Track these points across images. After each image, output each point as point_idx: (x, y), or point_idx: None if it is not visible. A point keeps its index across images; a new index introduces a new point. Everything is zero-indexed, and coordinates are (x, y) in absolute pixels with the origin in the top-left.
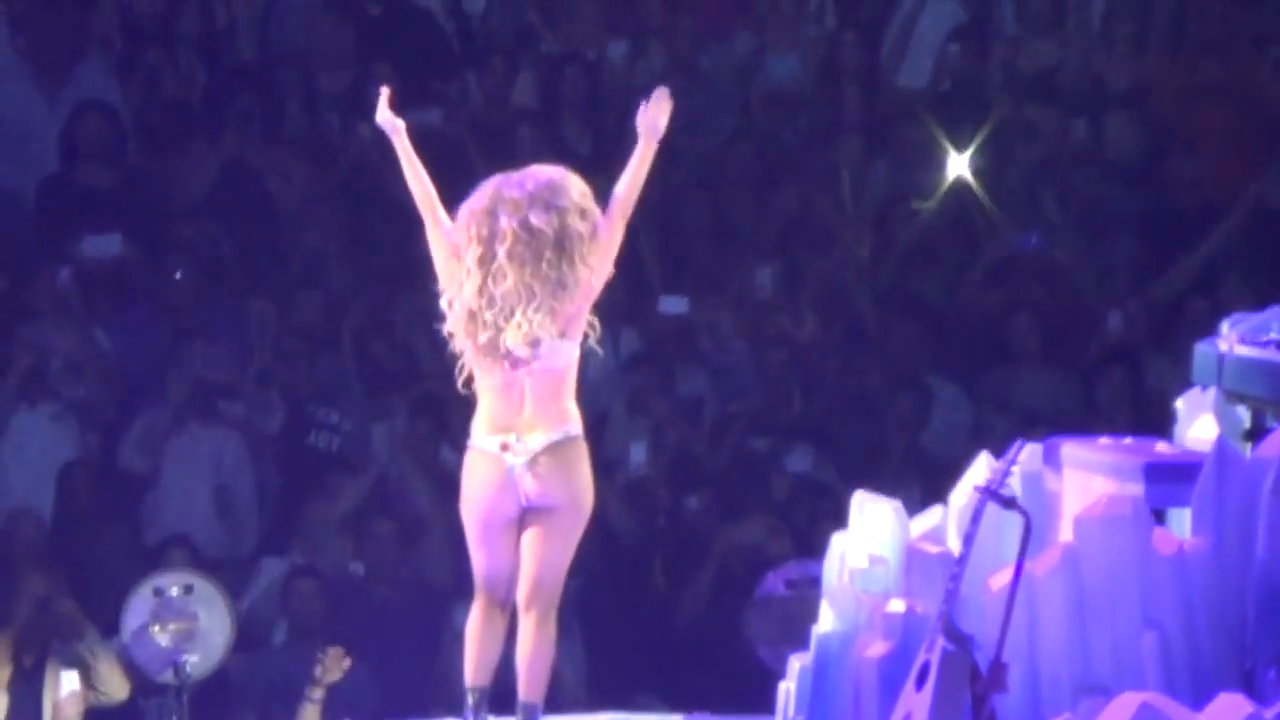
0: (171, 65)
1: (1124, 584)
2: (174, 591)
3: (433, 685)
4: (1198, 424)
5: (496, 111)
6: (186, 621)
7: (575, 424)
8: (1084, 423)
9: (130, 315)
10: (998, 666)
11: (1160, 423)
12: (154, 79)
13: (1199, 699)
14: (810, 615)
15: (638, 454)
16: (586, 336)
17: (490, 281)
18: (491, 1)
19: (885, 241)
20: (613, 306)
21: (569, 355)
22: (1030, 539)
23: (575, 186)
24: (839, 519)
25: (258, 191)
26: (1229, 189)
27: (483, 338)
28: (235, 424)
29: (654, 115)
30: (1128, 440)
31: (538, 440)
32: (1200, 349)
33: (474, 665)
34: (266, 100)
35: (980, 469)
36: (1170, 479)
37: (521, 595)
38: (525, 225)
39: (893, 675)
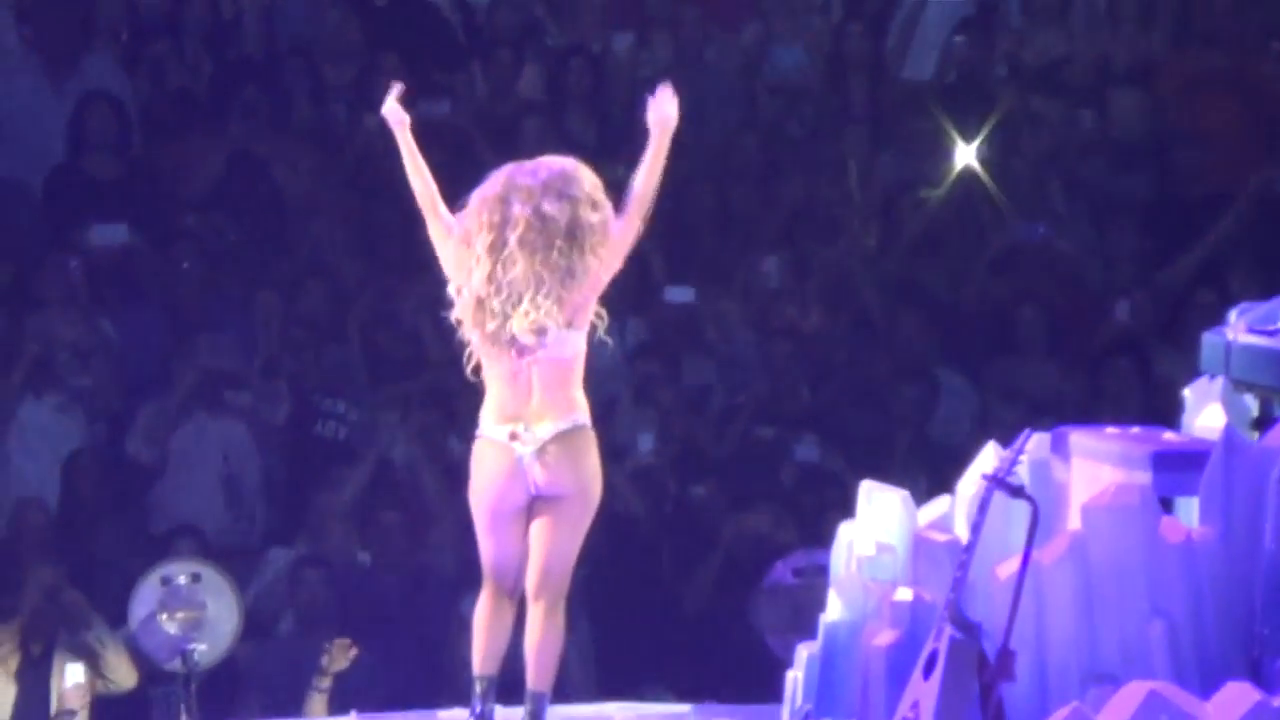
0: (178, 56)
1: (1131, 573)
2: (181, 580)
3: (440, 674)
4: (1205, 413)
5: (502, 103)
6: (194, 610)
7: (583, 413)
8: (1091, 412)
9: (137, 305)
10: (1005, 655)
11: (1168, 412)
12: (160, 70)
13: (1207, 688)
14: (818, 604)
15: (645, 443)
16: (594, 328)
17: (500, 268)
18: None
19: (891, 232)
20: (619, 296)
21: (575, 345)
22: (1038, 528)
23: (587, 178)
24: (846, 508)
25: (264, 182)
26: (1236, 179)
27: (490, 325)
28: (242, 414)
29: (661, 108)
30: (1135, 429)
31: (546, 430)
32: (1208, 338)
33: (481, 654)
34: (273, 91)
35: (988, 458)
36: (1178, 468)
37: (530, 584)
38: (538, 212)
39: (900, 664)
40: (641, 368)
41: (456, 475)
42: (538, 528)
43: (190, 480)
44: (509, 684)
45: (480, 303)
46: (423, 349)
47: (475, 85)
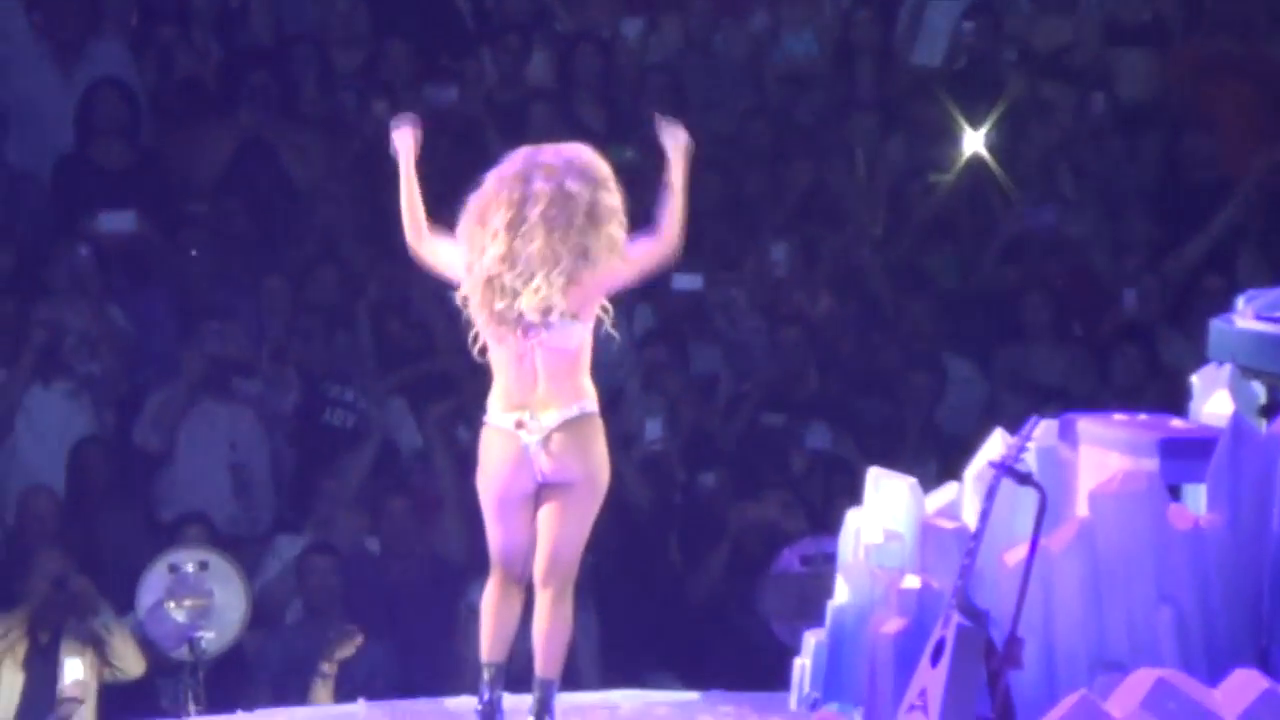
0: (186, 43)
1: (1139, 560)
2: (189, 568)
3: (448, 662)
4: (1213, 400)
5: (511, 89)
6: (202, 598)
7: (590, 401)
8: (1099, 399)
9: (145, 292)
10: (1013, 642)
11: (1175, 398)
12: (169, 57)
13: (1214, 675)
14: (825, 592)
15: (653, 431)
16: (600, 322)
17: (517, 243)
18: None
19: (900, 219)
20: None
21: (580, 336)
22: (1045, 515)
23: (605, 166)
24: (854, 495)
25: (273, 169)
26: (1245, 165)
27: (499, 304)
28: (250, 401)
29: (672, 133)
30: (1143, 416)
31: (552, 418)
32: (1215, 325)
33: (489, 641)
34: (281, 78)
35: (995, 445)
36: (1185, 455)
37: (538, 571)
38: (562, 188)
39: (908, 651)
40: (649, 355)
41: (465, 463)
42: (545, 515)
43: (198, 468)
44: (518, 672)
45: (490, 281)
46: (431, 337)
47: (484, 71)
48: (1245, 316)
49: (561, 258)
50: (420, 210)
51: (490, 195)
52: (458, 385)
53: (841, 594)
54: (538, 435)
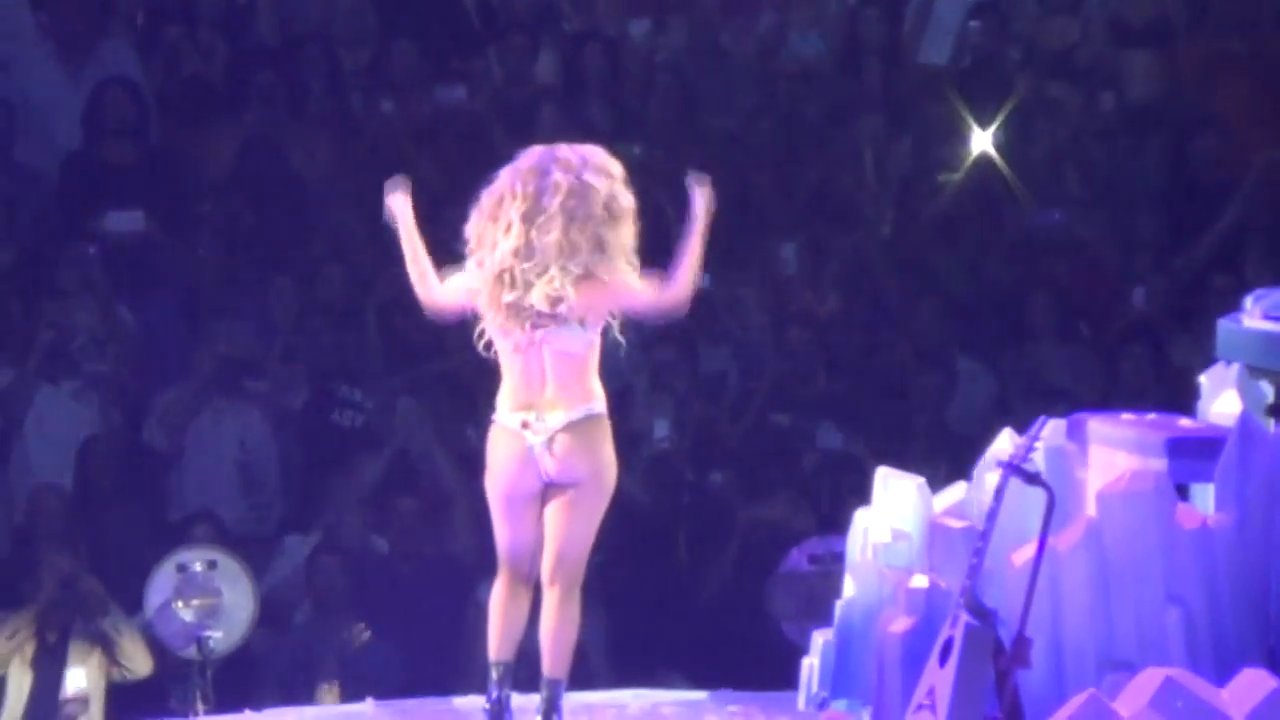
0: (194, 42)
1: (1147, 559)
2: (197, 567)
3: (457, 661)
4: (1221, 399)
5: (518, 89)
6: (210, 597)
7: (598, 402)
8: (1107, 398)
9: (153, 292)
10: (1021, 642)
11: (1184, 398)
12: (176, 56)
13: (1222, 674)
14: (833, 591)
15: (661, 430)
16: (608, 329)
17: (534, 233)
18: None
19: (908, 218)
20: None
21: (585, 341)
22: (1053, 514)
23: (619, 166)
24: (862, 495)
25: (280, 168)
26: (1253, 165)
27: (508, 296)
28: (259, 400)
29: (701, 190)
30: (1151, 416)
31: (558, 419)
32: (1224, 324)
33: (497, 640)
34: (289, 77)
35: (1003, 444)
36: (1194, 454)
37: (545, 570)
38: (581, 180)
39: (916, 650)
40: (658, 355)
41: (473, 462)
42: (552, 514)
43: (207, 467)
44: (527, 672)
45: (501, 275)
46: (440, 336)
47: (491, 71)
48: (1253, 316)
49: (580, 248)
50: (427, 265)
51: (504, 188)
52: (466, 385)
53: (850, 593)
54: (543, 436)
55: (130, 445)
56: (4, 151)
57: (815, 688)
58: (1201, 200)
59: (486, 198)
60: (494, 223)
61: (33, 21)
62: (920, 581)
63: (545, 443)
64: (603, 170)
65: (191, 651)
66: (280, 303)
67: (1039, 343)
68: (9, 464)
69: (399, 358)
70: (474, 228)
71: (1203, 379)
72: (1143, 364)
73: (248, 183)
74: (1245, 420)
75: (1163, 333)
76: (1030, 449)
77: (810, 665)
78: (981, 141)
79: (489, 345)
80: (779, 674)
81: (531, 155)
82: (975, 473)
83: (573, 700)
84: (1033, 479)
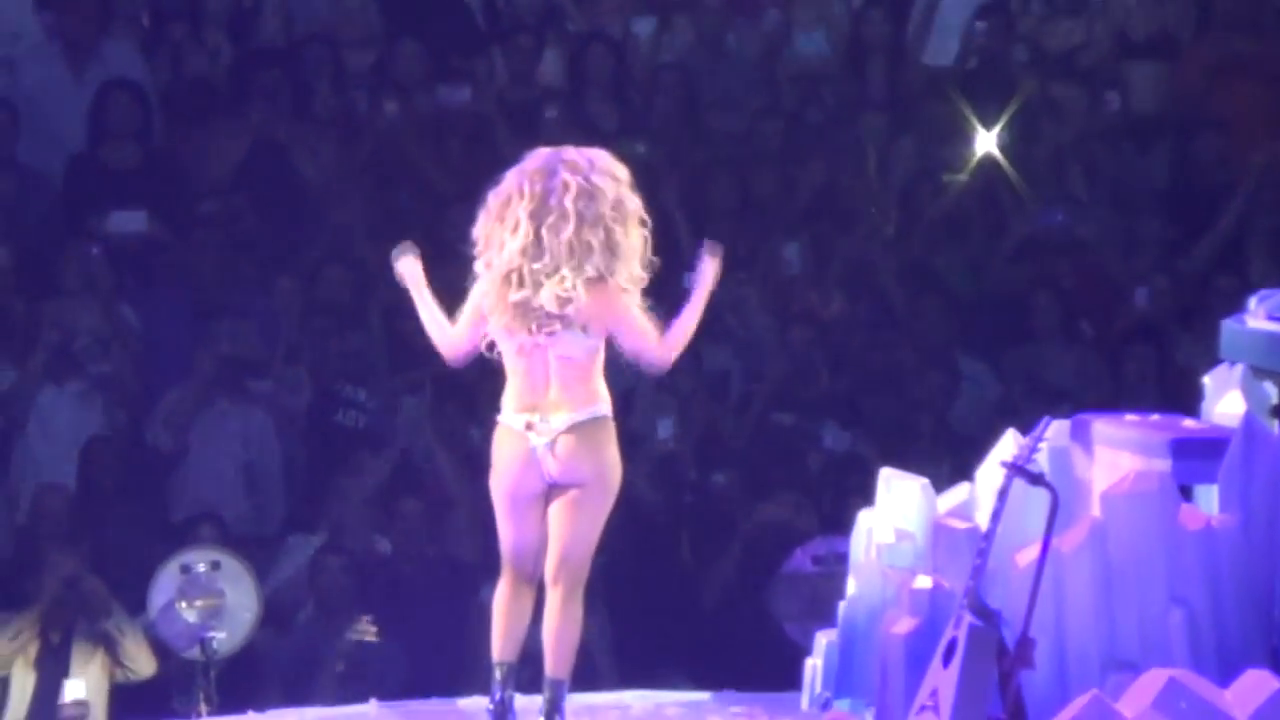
0: (198, 43)
1: (1151, 560)
2: (201, 568)
3: (460, 662)
4: (1225, 400)
5: (522, 89)
6: (213, 598)
7: (603, 404)
8: (1111, 399)
9: (157, 292)
10: (1024, 642)
11: (1187, 399)
12: (180, 57)
13: (1226, 675)
14: (837, 592)
15: (664, 430)
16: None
17: (544, 232)
18: None
19: (911, 218)
20: None
21: (588, 347)
22: (1057, 515)
23: (625, 169)
24: (866, 496)
25: (284, 169)
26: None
27: (515, 295)
28: (263, 401)
29: (711, 260)
30: (1155, 416)
31: (561, 420)
32: (1227, 325)
33: (500, 640)
34: (293, 78)
35: (1007, 445)
36: (1197, 455)
37: (549, 570)
38: (589, 181)
39: (919, 651)
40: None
41: (476, 463)
42: (556, 515)
43: (210, 468)
44: (530, 673)
45: (509, 275)
46: None
47: (496, 71)
48: (1257, 317)
49: (591, 249)
50: (443, 318)
51: (511, 189)
52: (470, 386)
53: (853, 594)
54: (546, 437)
55: (133, 446)
56: (8, 151)
57: (818, 688)
58: (1205, 201)
59: (493, 199)
60: (501, 223)
61: (37, 22)
62: (924, 582)
63: (548, 444)
64: (609, 173)
65: (195, 652)
66: (284, 303)
67: (1043, 343)
68: (12, 464)
69: (402, 358)
70: (481, 229)
71: (1206, 380)
72: (1146, 365)
73: (251, 183)
74: (1249, 421)
75: (1166, 333)
76: (1034, 450)
77: (813, 666)
78: (986, 142)
79: (492, 346)
80: (782, 675)
81: (538, 157)
82: (978, 473)
83: (576, 701)
84: (1036, 480)
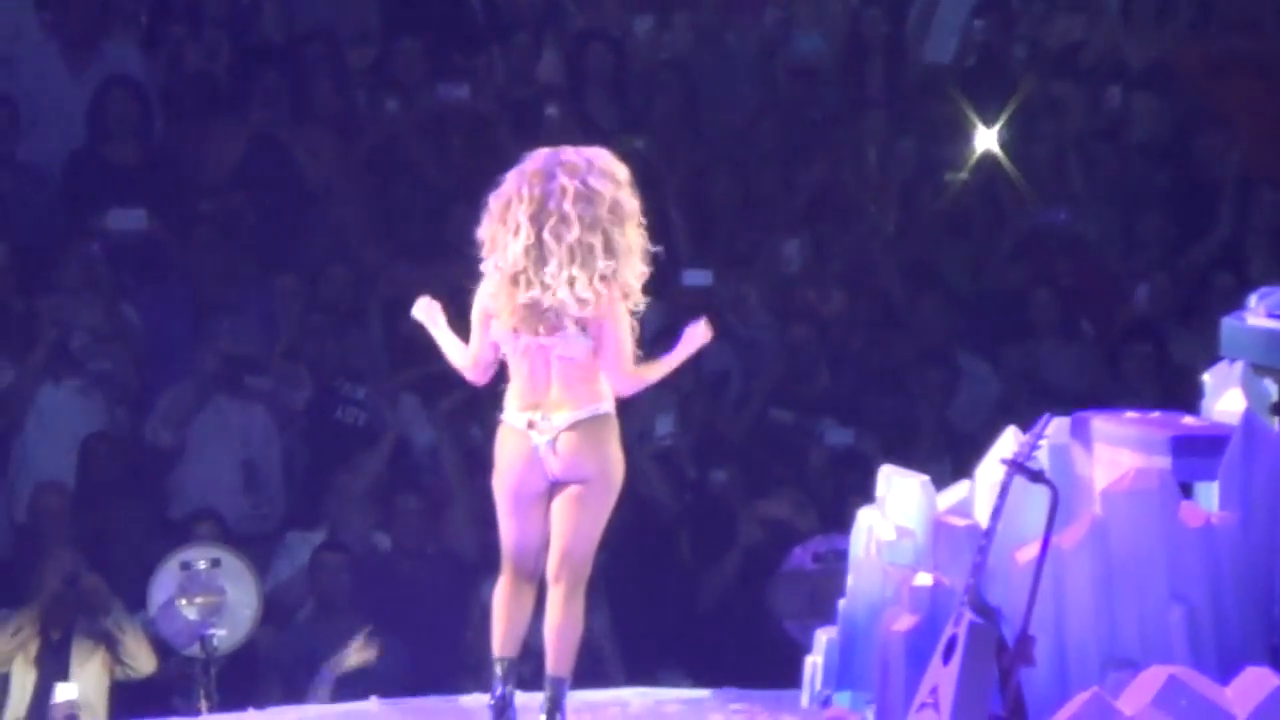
0: (197, 41)
1: (1151, 558)
2: (201, 565)
3: (461, 659)
4: (1225, 398)
5: (522, 87)
6: (213, 595)
7: (605, 402)
8: (1111, 396)
9: (157, 290)
10: (1024, 640)
11: (1187, 396)
12: (180, 54)
13: (1226, 673)
14: (837, 589)
15: (664, 428)
16: None
17: (547, 236)
18: None
19: (911, 216)
20: None
21: (589, 347)
22: (1057, 512)
23: (624, 169)
24: (866, 493)
25: (284, 166)
26: (1256, 163)
27: (522, 296)
28: (262, 398)
29: (700, 336)
30: (1155, 414)
31: (563, 418)
32: (1227, 323)
33: (501, 636)
34: (293, 75)
35: (1007, 443)
36: (1198, 453)
37: (550, 568)
38: (587, 184)
39: (919, 649)
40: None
41: (477, 460)
42: (558, 512)
43: (210, 465)
44: (531, 669)
45: (515, 276)
46: None
47: (495, 69)
48: (1257, 314)
49: (595, 250)
50: (461, 343)
51: (511, 192)
52: (469, 383)
53: (853, 591)
54: (548, 435)
55: (133, 443)
56: (7, 149)
57: (819, 686)
58: (1205, 199)
59: (494, 201)
60: (503, 225)
61: (36, 20)
62: (924, 579)
63: (550, 442)
64: (607, 174)
65: (195, 650)
66: (283, 300)
67: (1043, 341)
68: (12, 462)
69: (402, 355)
70: (485, 231)
71: (1206, 377)
72: (1146, 362)
73: (251, 181)
74: (1249, 418)
75: (1166, 331)
76: (1034, 447)
77: (813, 663)
78: (985, 140)
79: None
80: (782, 672)
81: (536, 158)
82: (979, 470)
83: (576, 698)
84: (1037, 477)
